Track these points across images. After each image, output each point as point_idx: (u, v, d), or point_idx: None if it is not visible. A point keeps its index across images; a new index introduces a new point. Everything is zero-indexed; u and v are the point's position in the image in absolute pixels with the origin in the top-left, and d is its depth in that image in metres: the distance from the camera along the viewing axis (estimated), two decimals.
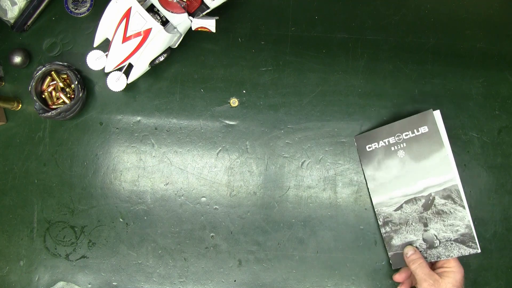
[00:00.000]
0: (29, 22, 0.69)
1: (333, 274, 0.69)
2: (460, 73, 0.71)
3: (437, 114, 0.66)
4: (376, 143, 0.68)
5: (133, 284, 0.69)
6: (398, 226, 0.67)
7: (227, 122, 0.70)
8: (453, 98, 0.71)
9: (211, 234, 0.69)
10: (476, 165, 0.70)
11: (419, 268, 0.63)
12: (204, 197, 0.70)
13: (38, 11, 0.69)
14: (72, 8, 0.70)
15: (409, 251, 0.65)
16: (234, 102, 0.70)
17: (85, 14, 0.70)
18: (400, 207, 0.67)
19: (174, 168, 0.70)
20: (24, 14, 0.68)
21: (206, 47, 0.71)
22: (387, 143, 0.68)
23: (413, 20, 0.72)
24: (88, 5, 0.70)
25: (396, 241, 0.68)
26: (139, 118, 0.70)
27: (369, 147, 0.69)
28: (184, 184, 0.70)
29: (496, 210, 0.70)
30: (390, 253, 0.68)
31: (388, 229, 0.68)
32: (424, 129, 0.66)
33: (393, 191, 0.68)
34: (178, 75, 0.70)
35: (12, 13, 0.68)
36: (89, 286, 0.69)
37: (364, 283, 0.69)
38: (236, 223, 0.69)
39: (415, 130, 0.66)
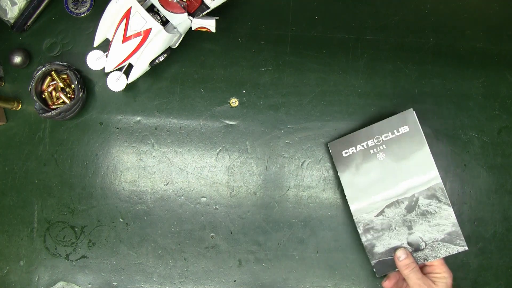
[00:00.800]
0: (29, 22, 0.69)
1: (333, 274, 0.69)
2: (460, 73, 0.71)
3: (411, 112, 0.65)
4: (353, 148, 0.66)
5: (133, 284, 0.69)
6: (381, 233, 0.65)
7: (227, 122, 0.70)
8: (453, 98, 0.71)
9: (211, 234, 0.69)
10: (476, 165, 0.70)
11: (412, 273, 0.61)
12: (204, 197, 0.70)
13: (38, 11, 0.69)
14: (72, 8, 0.70)
15: (401, 255, 0.63)
16: (234, 102, 0.70)
17: (85, 14, 0.70)
18: (382, 212, 0.65)
19: (174, 168, 0.70)
20: (24, 14, 0.68)
21: (206, 47, 0.71)
22: (365, 147, 0.66)
23: (413, 20, 0.72)
24: (88, 5, 0.70)
25: (379, 248, 0.65)
26: (139, 118, 0.70)
27: (345, 153, 0.67)
28: (184, 184, 0.70)
29: (496, 210, 0.70)
30: (373, 262, 0.66)
31: (369, 236, 0.66)
32: (404, 129, 0.65)
33: (373, 196, 0.66)
34: (178, 75, 0.70)
35: (12, 13, 0.68)
36: (89, 286, 0.69)
37: (364, 283, 0.69)
38: (236, 223, 0.69)
39: (395, 131, 0.65)
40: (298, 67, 0.71)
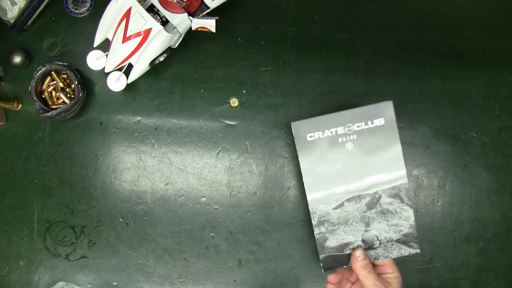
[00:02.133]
0: (29, 22, 0.69)
1: None
2: (460, 73, 0.71)
3: (390, 105, 0.61)
4: (320, 132, 0.61)
5: (133, 284, 0.69)
6: (336, 226, 0.62)
7: (227, 122, 0.70)
8: (453, 98, 0.71)
9: (211, 234, 0.69)
10: (476, 165, 0.70)
11: (370, 275, 0.59)
12: (204, 197, 0.70)
13: (38, 11, 0.69)
14: (72, 8, 0.70)
15: (360, 255, 0.60)
16: (234, 102, 0.70)
17: (85, 14, 0.70)
18: (341, 205, 0.62)
19: (174, 168, 0.70)
20: (24, 14, 0.68)
21: (206, 47, 0.71)
22: (334, 133, 0.61)
23: (413, 20, 0.72)
24: (88, 5, 0.70)
25: (331, 242, 0.62)
26: (139, 118, 0.70)
27: (310, 136, 0.61)
28: (184, 184, 0.70)
29: (496, 210, 0.70)
30: (322, 256, 0.63)
31: (323, 229, 0.62)
32: (379, 122, 0.61)
33: (335, 188, 0.62)
34: (178, 75, 0.70)
35: (12, 13, 0.68)
36: (89, 286, 0.69)
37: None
38: (236, 223, 0.69)
39: (369, 122, 0.61)
40: (298, 67, 0.71)
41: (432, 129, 0.70)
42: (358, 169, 0.62)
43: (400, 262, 0.68)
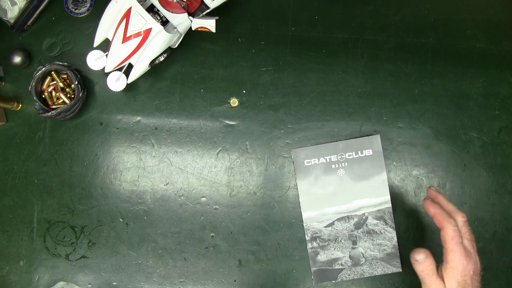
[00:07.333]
0: (29, 22, 0.69)
1: None
2: (460, 73, 0.71)
3: (378, 138, 0.68)
4: (316, 159, 0.68)
5: (133, 284, 0.69)
6: (326, 242, 0.68)
7: (227, 122, 0.70)
8: (453, 98, 0.71)
9: (211, 234, 0.69)
10: (476, 165, 0.70)
11: (427, 277, 0.53)
12: (204, 197, 0.70)
13: (38, 11, 0.69)
14: (72, 8, 0.70)
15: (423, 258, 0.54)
16: (234, 102, 0.70)
17: (85, 14, 0.70)
18: (332, 224, 0.68)
19: (174, 168, 0.70)
20: (24, 14, 0.68)
21: (206, 47, 0.71)
22: (328, 160, 0.68)
23: (413, 20, 0.72)
24: (88, 5, 0.70)
25: (322, 257, 0.68)
26: (139, 118, 0.70)
27: (307, 162, 0.68)
28: (184, 184, 0.70)
29: (496, 210, 0.70)
30: (313, 269, 0.68)
31: (315, 244, 0.68)
32: (368, 152, 0.68)
33: (327, 208, 0.68)
34: (178, 75, 0.70)
35: (12, 13, 0.68)
36: (89, 286, 0.69)
37: (364, 283, 0.69)
38: (236, 223, 0.69)
39: (359, 152, 0.68)
40: (298, 67, 0.71)
41: (432, 129, 0.70)
42: (348, 192, 0.68)
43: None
